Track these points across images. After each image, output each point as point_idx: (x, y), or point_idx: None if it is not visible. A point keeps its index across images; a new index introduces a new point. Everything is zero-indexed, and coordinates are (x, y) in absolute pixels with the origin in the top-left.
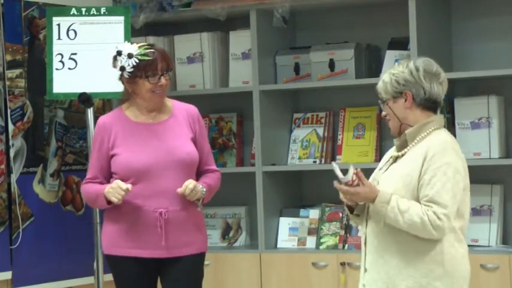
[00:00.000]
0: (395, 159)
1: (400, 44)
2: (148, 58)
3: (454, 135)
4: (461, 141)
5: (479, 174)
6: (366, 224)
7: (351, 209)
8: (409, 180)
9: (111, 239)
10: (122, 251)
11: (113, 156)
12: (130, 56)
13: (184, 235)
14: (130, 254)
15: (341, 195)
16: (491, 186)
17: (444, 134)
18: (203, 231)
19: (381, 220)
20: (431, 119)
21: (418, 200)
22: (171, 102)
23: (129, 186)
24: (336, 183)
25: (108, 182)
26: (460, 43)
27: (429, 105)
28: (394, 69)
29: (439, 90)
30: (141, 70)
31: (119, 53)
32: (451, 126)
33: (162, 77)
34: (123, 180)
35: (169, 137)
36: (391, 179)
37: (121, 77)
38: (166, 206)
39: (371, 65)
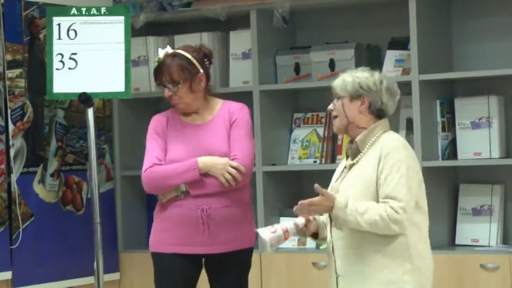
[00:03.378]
0: (351, 167)
1: (401, 44)
2: (155, 66)
3: (455, 135)
4: (461, 141)
5: (479, 174)
6: (330, 231)
7: (315, 236)
8: (368, 183)
9: (156, 237)
10: (168, 248)
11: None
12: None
13: (229, 231)
14: (176, 251)
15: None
16: (492, 186)
17: (394, 134)
18: (250, 225)
19: (342, 225)
20: (377, 124)
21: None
22: (219, 102)
23: (237, 164)
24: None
25: None
26: (460, 43)
27: (379, 114)
28: (358, 73)
29: (393, 106)
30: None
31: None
32: (451, 126)
33: (166, 88)
34: None
35: (209, 137)
36: (350, 186)
37: None
38: (208, 203)
39: (371, 65)
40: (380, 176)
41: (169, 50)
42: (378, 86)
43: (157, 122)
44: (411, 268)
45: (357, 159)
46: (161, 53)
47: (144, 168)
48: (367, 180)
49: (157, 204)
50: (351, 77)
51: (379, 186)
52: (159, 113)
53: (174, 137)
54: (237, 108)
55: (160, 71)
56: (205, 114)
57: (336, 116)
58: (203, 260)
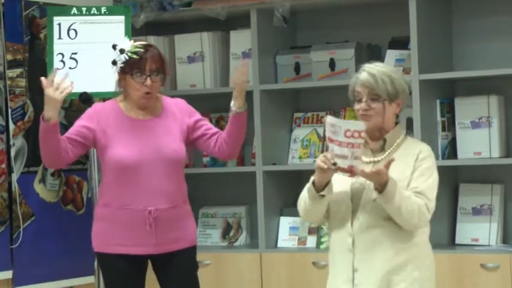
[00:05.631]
0: (374, 163)
1: (401, 43)
2: (137, 57)
3: (455, 134)
4: (461, 140)
5: (479, 174)
6: (352, 224)
7: (318, 189)
8: (402, 177)
9: (101, 237)
10: (113, 249)
11: (105, 147)
12: (122, 51)
13: (174, 231)
14: (121, 252)
15: (321, 163)
16: (492, 186)
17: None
18: (192, 224)
19: (387, 202)
20: (398, 126)
21: None
22: (161, 99)
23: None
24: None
25: (68, 149)
26: (461, 42)
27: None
28: (392, 73)
29: None
30: (129, 67)
31: (114, 47)
32: (451, 125)
33: (149, 78)
34: (113, 174)
35: (157, 134)
36: None
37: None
38: (155, 204)
39: None
40: (413, 174)
41: (130, 41)
42: (407, 88)
43: (94, 113)
44: (427, 267)
45: (383, 156)
46: (128, 43)
47: None
48: (401, 174)
49: (96, 205)
50: (388, 79)
51: (410, 181)
52: (101, 103)
53: (118, 130)
54: (183, 103)
55: (144, 59)
56: (151, 109)
57: (371, 116)
58: (149, 260)
